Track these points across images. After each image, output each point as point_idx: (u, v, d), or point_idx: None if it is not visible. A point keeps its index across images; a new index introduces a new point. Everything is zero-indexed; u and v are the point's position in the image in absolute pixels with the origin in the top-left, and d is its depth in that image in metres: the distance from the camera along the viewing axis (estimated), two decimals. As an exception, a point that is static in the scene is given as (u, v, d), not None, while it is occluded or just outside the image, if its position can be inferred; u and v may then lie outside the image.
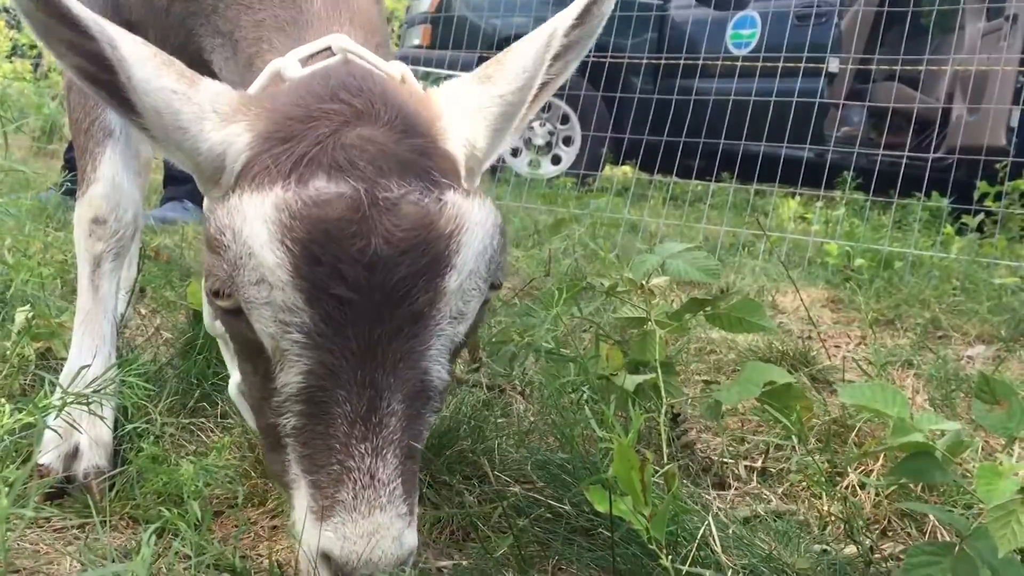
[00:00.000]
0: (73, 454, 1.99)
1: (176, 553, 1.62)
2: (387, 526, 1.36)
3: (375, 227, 1.37)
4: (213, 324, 1.73)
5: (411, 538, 1.39)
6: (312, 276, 1.35)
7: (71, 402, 1.79)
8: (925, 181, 6.34)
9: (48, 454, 1.96)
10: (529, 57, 1.67)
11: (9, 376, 2.10)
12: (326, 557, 1.38)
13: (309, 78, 1.59)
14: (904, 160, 6.47)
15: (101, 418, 2.02)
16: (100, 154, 2.20)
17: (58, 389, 1.96)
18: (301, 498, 1.43)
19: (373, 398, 1.37)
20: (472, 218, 1.45)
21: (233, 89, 1.59)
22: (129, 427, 2.05)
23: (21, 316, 2.28)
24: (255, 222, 1.37)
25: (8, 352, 2.25)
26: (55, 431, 1.95)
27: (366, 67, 1.63)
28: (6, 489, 1.21)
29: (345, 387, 1.37)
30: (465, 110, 1.64)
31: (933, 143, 8.09)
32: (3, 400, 1.82)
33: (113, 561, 1.58)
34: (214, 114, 1.53)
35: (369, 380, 1.37)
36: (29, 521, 1.69)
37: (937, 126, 8.21)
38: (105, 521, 1.77)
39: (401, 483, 1.39)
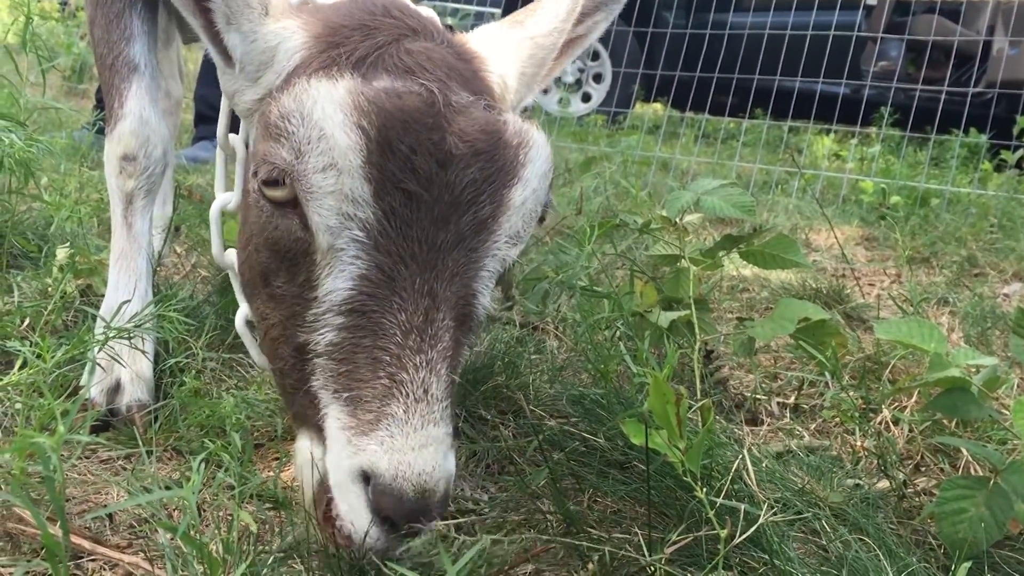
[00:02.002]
0: (115, 388, 2.03)
1: (220, 484, 1.66)
2: (439, 440, 1.28)
3: (449, 125, 1.34)
4: (223, 256, 1.72)
5: (453, 463, 1.34)
6: (384, 165, 1.30)
7: (113, 336, 1.82)
8: (964, 117, 6.22)
9: (91, 388, 2.00)
10: (562, 6, 1.69)
11: (53, 312, 2.13)
12: (363, 481, 1.28)
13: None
14: (943, 95, 6.33)
15: (143, 352, 2.06)
16: (126, 89, 2.19)
17: (99, 323, 2.00)
18: (332, 419, 1.33)
19: (430, 308, 1.31)
20: (536, 138, 1.45)
21: None
22: (171, 361, 2.08)
23: (62, 253, 2.31)
24: (328, 104, 1.32)
25: (51, 288, 2.28)
26: (100, 366, 1.99)
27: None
28: (58, 419, 1.24)
29: (400, 294, 1.31)
30: (498, 50, 1.65)
31: (973, 77, 7.91)
32: (48, 335, 1.86)
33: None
34: (274, 6, 1.53)
35: (428, 289, 1.31)
36: (78, 452, 1.73)
37: (977, 60, 8.01)
38: (151, 452, 1.82)
39: (450, 404, 1.34)
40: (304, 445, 1.40)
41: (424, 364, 1.29)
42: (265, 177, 1.37)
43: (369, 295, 1.31)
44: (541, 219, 1.50)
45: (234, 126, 1.76)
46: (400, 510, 1.26)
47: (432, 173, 1.31)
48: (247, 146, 1.70)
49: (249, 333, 1.63)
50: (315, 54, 1.47)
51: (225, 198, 1.74)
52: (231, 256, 1.70)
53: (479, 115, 1.38)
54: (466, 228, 1.34)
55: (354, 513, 1.30)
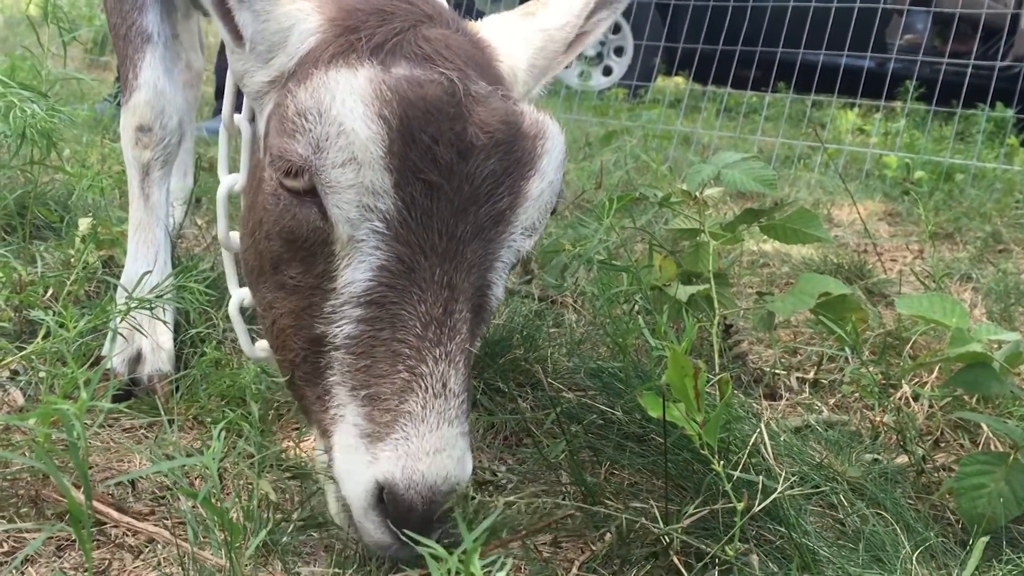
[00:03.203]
0: (137, 358, 2.05)
1: (240, 452, 1.68)
2: (452, 444, 1.27)
3: (470, 115, 1.33)
4: (229, 239, 1.69)
5: (469, 464, 1.32)
6: (405, 155, 1.28)
7: (135, 307, 1.83)
8: (991, 91, 6.13)
9: (113, 358, 2.02)
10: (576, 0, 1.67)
11: (75, 282, 2.15)
12: (378, 494, 1.28)
13: None
14: (969, 69, 6.24)
15: (164, 323, 2.07)
16: (140, 60, 2.19)
17: (120, 293, 2.02)
18: (347, 427, 1.32)
19: (449, 300, 1.30)
20: (552, 129, 1.43)
21: None
22: (192, 332, 2.10)
23: (84, 224, 2.33)
24: (348, 97, 1.30)
25: (73, 259, 2.30)
26: (122, 335, 2.01)
27: None
28: (81, 387, 1.25)
29: (421, 285, 1.30)
30: (509, 41, 1.62)
31: (1000, 51, 7.78)
32: (70, 305, 1.88)
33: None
34: None
35: (447, 280, 1.31)
36: (101, 420, 1.75)
37: (1005, 33, 7.89)
38: (172, 421, 1.84)
39: (467, 398, 1.32)
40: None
41: (444, 357, 1.28)
42: (282, 168, 1.36)
43: (389, 286, 1.30)
44: (553, 210, 1.48)
45: (240, 105, 1.73)
46: (408, 521, 1.26)
47: (453, 163, 1.30)
48: (253, 126, 1.66)
49: (242, 321, 1.60)
50: (331, 38, 1.44)
51: (231, 179, 1.69)
52: (237, 239, 1.68)
53: (499, 105, 1.36)
54: (485, 219, 1.33)
55: (366, 527, 1.32)
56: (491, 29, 1.63)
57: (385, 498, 1.27)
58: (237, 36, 1.53)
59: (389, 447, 1.25)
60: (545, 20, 1.66)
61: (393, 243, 1.30)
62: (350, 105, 1.29)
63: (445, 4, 1.63)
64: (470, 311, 1.33)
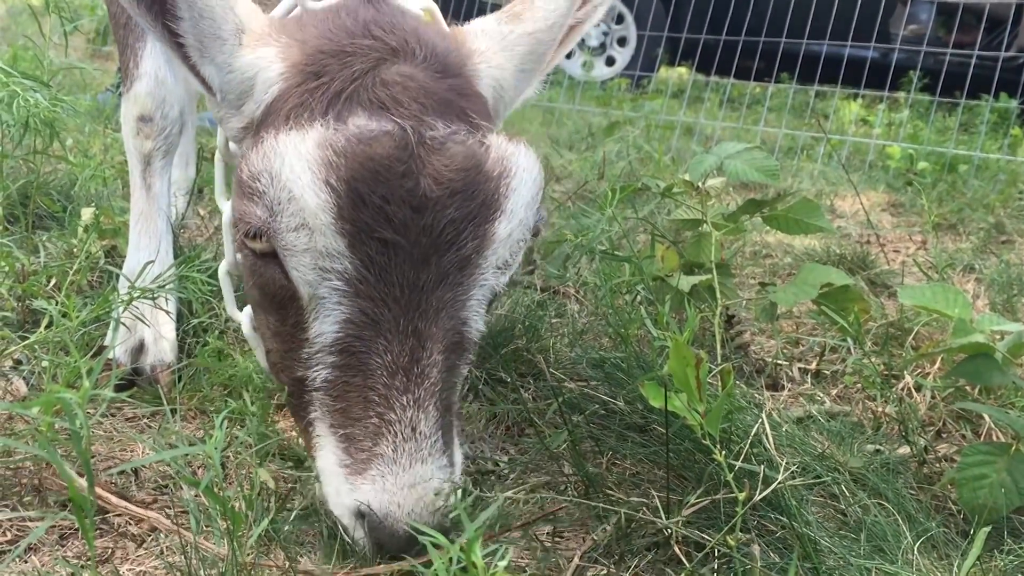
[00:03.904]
0: (139, 348, 2.06)
1: (242, 442, 1.69)
2: (428, 477, 1.32)
3: (424, 167, 1.31)
4: (236, 261, 1.64)
5: (456, 472, 1.38)
6: (357, 218, 1.28)
7: (137, 297, 1.83)
8: (995, 81, 6.11)
9: (116, 348, 2.02)
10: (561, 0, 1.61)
11: (78, 272, 2.15)
12: (360, 516, 1.34)
13: (335, 11, 1.51)
14: (973, 59, 6.22)
15: (166, 312, 2.07)
16: (141, 49, 2.18)
17: (122, 281, 2.02)
18: (328, 455, 1.38)
19: (415, 348, 1.32)
20: (519, 163, 1.40)
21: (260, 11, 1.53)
22: (194, 321, 2.10)
23: (88, 213, 2.33)
24: (296, 163, 1.30)
25: (76, 249, 2.31)
26: (124, 325, 2.01)
27: (393, 3, 1.56)
28: (84, 376, 1.26)
29: (386, 336, 1.32)
30: (493, 50, 1.58)
31: (1004, 42, 7.75)
32: (73, 295, 1.88)
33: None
34: (250, 32, 1.48)
35: (412, 329, 1.32)
36: (103, 410, 1.76)
37: (1009, 24, 7.85)
38: (175, 411, 1.84)
39: (442, 435, 1.35)
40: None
41: (412, 403, 1.32)
42: (243, 232, 1.38)
43: (356, 336, 1.33)
44: (535, 233, 1.47)
45: None
46: (393, 545, 1.33)
47: (408, 219, 1.30)
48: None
49: (259, 339, 1.59)
50: (292, 86, 1.43)
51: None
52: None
53: (456, 150, 1.34)
54: (449, 266, 1.34)
55: (356, 539, 1.38)
56: (474, 35, 1.59)
57: (367, 527, 1.34)
58: (207, 87, 1.53)
59: (367, 482, 1.32)
60: (531, 23, 1.61)
61: (355, 298, 1.32)
62: (298, 172, 1.30)
63: (420, 21, 1.57)
64: (442, 352, 1.35)
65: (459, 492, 1.36)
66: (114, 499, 1.55)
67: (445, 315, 1.35)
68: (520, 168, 1.40)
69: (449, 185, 1.32)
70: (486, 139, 1.39)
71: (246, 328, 1.61)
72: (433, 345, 1.33)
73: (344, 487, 1.35)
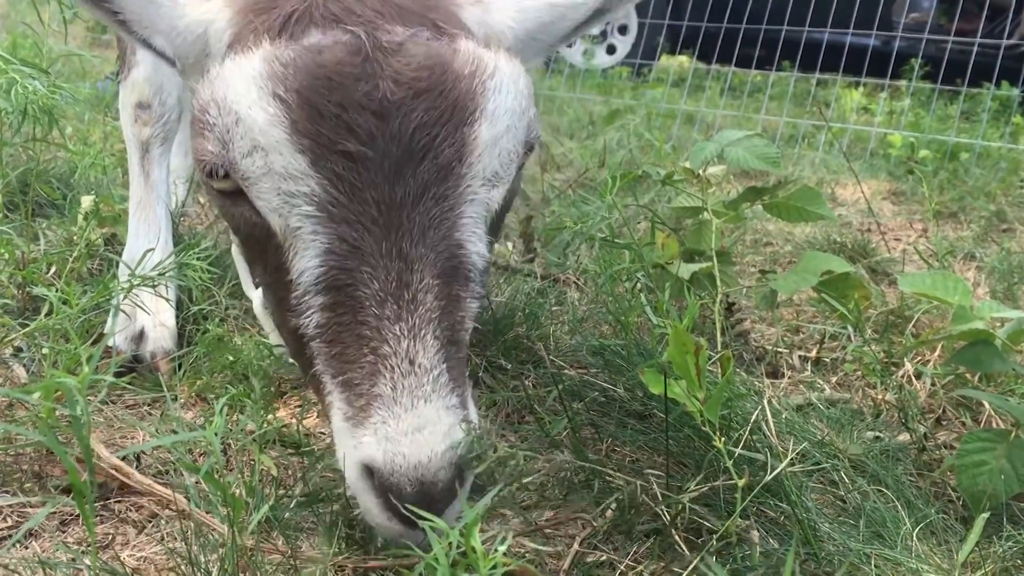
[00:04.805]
0: (139, 336, 2.06)
1: (242, 428, 1.69)
2: (434, 420, 1.19)
3: (381, 69, 1.22)
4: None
5: (459, 435, 1.22)
6: (314, 131, 1.19)
7: (137, 284, 1.83)
8: (996, 70, 6.09)
9: (115, 336, 2.02)
10: None
11: (78, 260, 2.15)
12: (368, 471, 1.22)
13: None
14: (975, 48, 6.20)
15: (166, 300, 2.07)
16: None
17: (122, 269, 2.02)
18: (335, 410, 1.27)
19: (403, 271, 1.21)
20: (498, 64, 1.30)
21: None
22: (194, 309, 2.10)
23: (87, 201, 2.33)
24: (240, 82, 1.23)
25: (76, 236, 2.30)
26: (124, 313, 2.01)
27: None
28: (84, 363, 1.26)
29: (370, 262, 1.21)
30: (500, 2, 1.50)
31: (1006, 30, 7.73)
32: (73, 282, 1.88)
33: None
34: None
35: (396, 251, 1.21)
36: (103, 396, 1.76)
37: (1011, 12, 7.82)
38: (176, 397, 1.84)
39: (447, 370, 1.22)
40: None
41: (406, 332, 1.20)
42: (203, 170, 1.31)
43: (339, 268, 1.23)
44: (529, 148, 1.37)
45: None
46: (401, 500, 1.19)
47: (371, 127, 1.20)
48: None
49: (267, 317, 1.53)
50: (244, 25, 1.36)
51: None
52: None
53: (417, 50, 1.25)
54: (428, 176, 1.23)
55: (368, 512, 1.26)
56: None
57: (377, 486, 1.22)
58: (167, 59, 1.47)
59: (368, 431, 1.20)
60: None
61: (330, 223, 1.22)
62: (242, 90, 1.22)
63: None
64: (436, 277, 1.24)
65: (474, 437, 1.23)
66: (133, 472, 1.55)
67: (434, 234, 1.24)
68: (499, 69, 1.30)
69: (412, 85, 1.22)
70: (456, 43, 1.29)
71: (257, 307, 1.54)
72: (423, 268, 1.22)
73: (349, 443, 1.23)
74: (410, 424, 1.18)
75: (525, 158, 1.38)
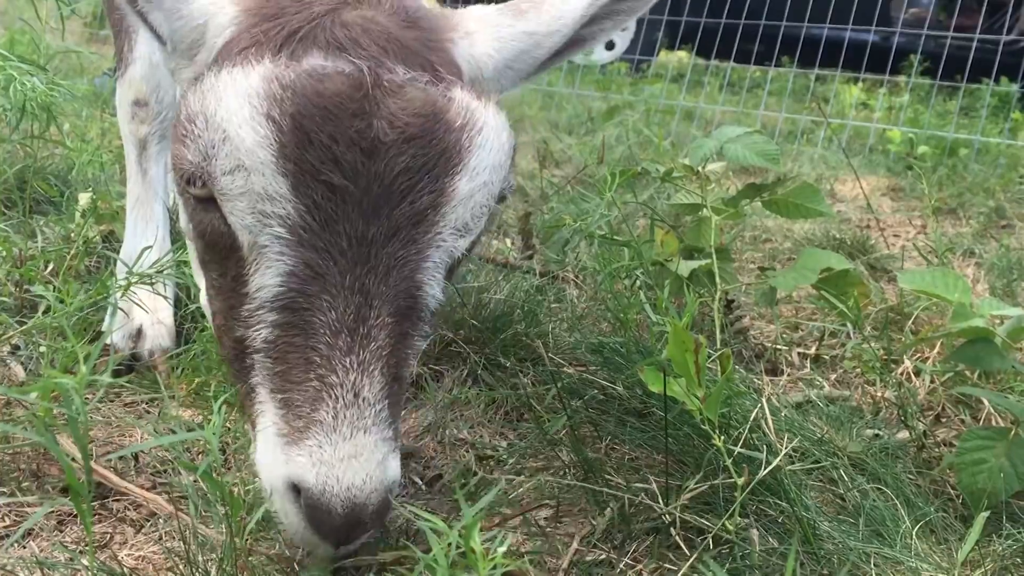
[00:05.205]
0: (137, 334, 2.05)
1: (240, 427, 1.68)
2: (371, 448, 1.20)
3: (378, 109, 1.22)
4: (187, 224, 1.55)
5: (395, 466, 1.25)
6: (301, 158, 1.19)
7: (135, 282, 1.83)
8: (995, 65, 6.08)
9: (114, 334, 2.02)
10: (572, 11, 1.54)
11: (75, 257, 2.15)
12: (295, 491, 1.22)
13: None
14: (974, 43, 6.19)
15: (164, 298, 2.07)
16: (136, 33, 2.16)
17: (120, 267, 2.02)
18: (266, 423, 1.26)
19: (362, 306, 1.22)
20: (487, 119, 1.31)
21: None
22: (192, 307, 2.10)
23: (85, 198, 2.32)
24: (233, 100, 1.22)
25: (73, 234, 2.30)
26: (122, 311, 2.00)
27: None
28: (81, 361, 1.25)
29: (331, 291, 1.22)
30: (483, 34, 1.50)
31: (1006, 25, 7.72)
32: (70, 280, 1.87)
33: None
34: None
35: (359, 286, 1.22)
36: (101, 395, 1.75)
37: (1011, 7, 7.82)
38: (173, 396, 1.84)
39: (388, 405, 1.24)
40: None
41: (355, 366, 1.21)
42: (180, 176, 1.30)
43: (298, 291, 1.23)
44: (502, 199, 1.39)
45: None
46: (330, 525, 1.20)
47: (358, 163, 1.20)
48: None
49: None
50: (245, 29, 1.35)
51: None
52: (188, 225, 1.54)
53: (415, 95, 1.26)
54: (402, 219, 1.24)
55: (288, 522, 1.26)
56: (465, 18, 1.52)
57: (303, 504, 1.22)
58: (158, 36, 1.46)
59: (303, 453, 1.20)
60: (534, 23, 1.53)
61: (298, 248, 1.22)
62: (235, 108, 1.21)
63: None
64: (392, 315, 1.25)
65: (396, 469, 1.25)
66: (115, 479, 1.55)
67: (397, 274, 1.25)
68: (487, 125, 1.31)
69: (405, 130, 1.22)
70: (451, 92, 1.30)
71: (202, 296, 1.52)
72: (382, 305, 1.23)
73: (279, 458, 1.23)
74: (347, 451, 1.19)
75: (496, 210, 1.40)
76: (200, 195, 1.28)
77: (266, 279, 1.25)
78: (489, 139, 1.31)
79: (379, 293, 1.23)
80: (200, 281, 1.47)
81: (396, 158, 1.22)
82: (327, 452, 1.19)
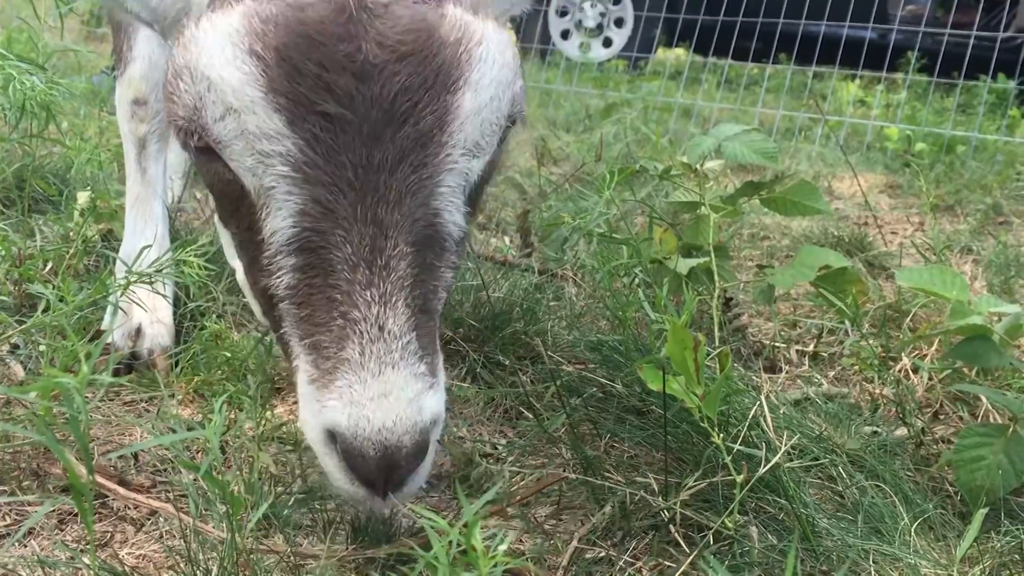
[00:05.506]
0: (136, 332, 2.05)
1: (240, 426, 1.69)
2: (401, 386, 1.17)
3: (365, 30, 1.18)
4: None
5: (433, 403, 1.21)
6: (292, 90, 1.16)
7: (135, 281, 1.83)
8: (992, 62, 6.09)
9: (113, 333, 2.02)
10: None
11: (74, 256, 2.15)
12: (333, 440, 1.21)
13: None
14: (971, 40, 6.20)
15: (163, 297, 2.07)
16: (135, 32, 2.15)
17: (119, 266, 2.02)
18: (301, 373, 1.25)
19: (376, 236, 1.19)
20: (485, 32, 1.27)
21: None
22: (191, 305, 2.10)
23: (84, 197, 2.32)
24: (214, 42, 1.19)
25: (72, 233, 2.30)
26: (122, 309, 2.01)
27: None
28: (82, 360, 1.25)
29: (343, 225, 1.19)
30: None
31: (1003, 22, 7.73)
32: (70, 278, 1.87)
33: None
34: None
35: (371, 216, 1.19)
36: (101, 394, 1.75)
37: (1008, 4, 7.82)
38: (173, 395, 1.84)
39: (416, 337, 1.20)
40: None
41: (377, 298, 1.18)
42: (176, 132, 1.29)
43: (312, 230, 1.20)
44: (512, 121, 1.34)
45: None
46: (365, 469, 1.19)
47: (351, 89, 1.16)
48: None
49: (248, 287, 1.47)
50: None
51: None
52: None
53: (403, 12, 1.21)
54: (407, 142, 1.20)
55: (332, 476, 1.26)
56: None
57: (341, 453, 1.21)
58: (143, 20, 1.45)
59: (334, 395, 1.18)
60: None
61: (304, 184, 1.19)
62: (217, 49, 1.19)
63: None
64: (411, 244, 1.21)
65: (435, 407, 1.22)
66: (110, 484, 1.55)
67: (411, 201, 1.21)
68: (486, 37, 1.27)
69: (395, 48, 1.19)
70: (444, 8, 1.27)
71: (240, 277, 1.49)
72: (398, 234, 1.20)
73: (313, 407, 1.21)
74: (377, 389, 1.17)
75: (508, 131, 1.36)
76: (200, 146, 1.26)
77: (278, 222, 1.22)
78: (491, 51, 1.26)
79: (394, 222, 1.20)
80: (224, 240, 1.45)
81: (391, 79, 1.18)
82: (357, 391, 1.17)
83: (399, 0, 1.23)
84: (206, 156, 1.26)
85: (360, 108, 1.17)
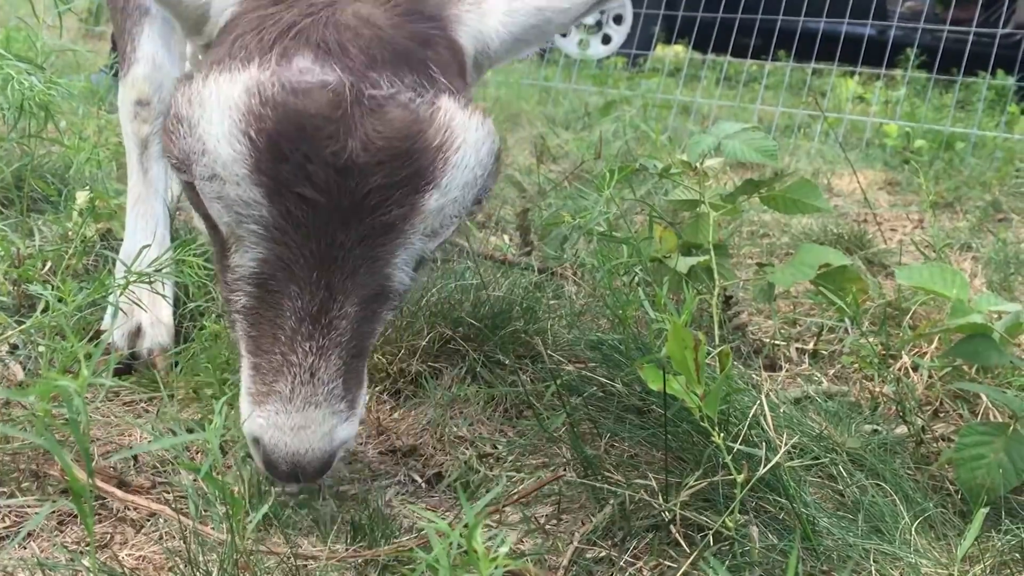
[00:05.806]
0: (136, 332, 2.05)
1: (240, 426, 1.68)
2: (319, 422, 1.32)
3: (354, 129, 1.25)
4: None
5: (344, 432, 1.36)
6: (276, 172, 1.24)
7: (134, 280, 1.83)
8: (992, 58, 6.09)
9: (113, 333, 2.02)
10: None
11: (73, 256, 2.15)
12: (256, 441, 1.37)
13: None
14: (970, 36, 6.20)
15: (163, 297, 2.07)
16: (138, 33, 2.16)
17: (119, 266, 2.01)
18: (244, 376, 1.40)
19: (326, 300, 1.30)
20: (467, 136, 1.33)
21: None
22: (191, 305, 2.09)
23: (82, 197, 2.32)
24: (216, 112, 1.26)
25: (71, 232, 2.30)
26: (121, 310, 2.00)
27: None
28: (82, 361, 1.25)
29: (298, 283, 1.30)
30: (493, 7, 1.52)
31: (1002, 18, 7.72)
32: (69, 279, 1.87)
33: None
34: None
35: (325, 283, 1.30)
36: (101, 395, 1.75)
37: (1007, 0, 7.82)
38: (173, 395, 1.83)
39: (343, 382, 1.35)
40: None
41: (314, 350, 1.32)
42: (168, 160, 1.38)
43: (271, 276, 1.32)
44: (477, 202, 1.42)
45: None
46: (277, 474, 1.36)
47: (331, 181, 1.25)
48: None
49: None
50: (244, 12, 1.39)
51: None
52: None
53: (394, 114, 1.28)
54: (371, 229, 1.30)
55: (255, 460, 1.42)
56: None
57: (260, 451, 1.37)
58: (176, 4, 1.50)
59: (263, 415, 1.34)
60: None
61: (271, 243, 1.30)
62: (217, 121, 1.26)
63: None
64: (356, 306, 1.33)
65: (346, 433, 1.37)
66: (109, 487, 1.55)
67: (365, 270, 1.32)
68: (465, 143, 1.33)
69: (378, 153, 1.26)
70: (438, 100, 1.32)
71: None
72: (345, 299, 1.32)
73: (248, 410, 1.38)
74: (298, 422, 1.32)
75: (472, 214, 1.45)
76: (187, 180, 1.35)
77: (244, 260, 1.34)
78: (465, 157, 1.34)
79: (344, 289, 1.32)
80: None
81: (367, 178, 1.27)
82: (281, 419, 1.33)
83: (395, 97, 1.30)
84: (190, 187, 1.36)
85: (334, 197, 1.26)
